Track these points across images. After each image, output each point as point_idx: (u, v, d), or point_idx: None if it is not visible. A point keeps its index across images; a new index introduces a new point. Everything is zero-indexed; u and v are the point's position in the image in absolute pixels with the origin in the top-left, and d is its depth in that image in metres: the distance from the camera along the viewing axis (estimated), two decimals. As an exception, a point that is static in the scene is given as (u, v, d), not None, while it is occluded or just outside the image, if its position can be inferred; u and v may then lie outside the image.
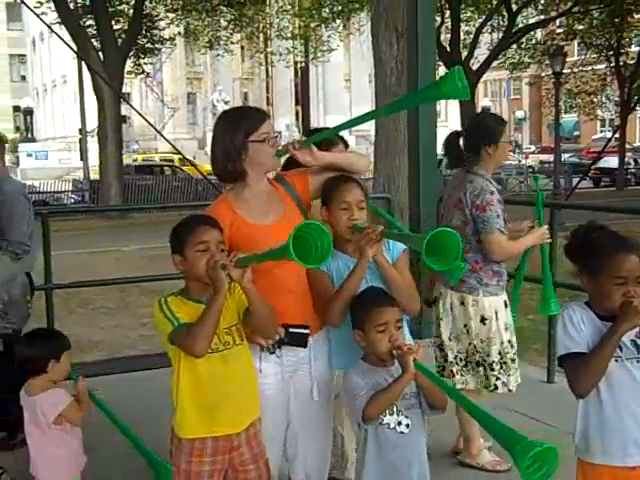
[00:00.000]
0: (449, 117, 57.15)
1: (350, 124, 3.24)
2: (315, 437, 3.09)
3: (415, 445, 2.77)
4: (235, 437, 2.78)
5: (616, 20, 29.62)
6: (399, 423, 2.72)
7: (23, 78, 72.06)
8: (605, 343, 2.45)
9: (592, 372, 2.49)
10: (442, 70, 30.60)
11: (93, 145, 26.86)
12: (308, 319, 2.98)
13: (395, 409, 2.71)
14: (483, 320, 4.02)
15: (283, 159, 3.19)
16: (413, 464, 2.76)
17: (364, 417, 2.67)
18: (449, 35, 27.51)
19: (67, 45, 10.56)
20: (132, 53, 26.17)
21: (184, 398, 2.73)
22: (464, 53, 28.02)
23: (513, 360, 4.10)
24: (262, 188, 3.03)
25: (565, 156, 34.69)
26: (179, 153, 8.60)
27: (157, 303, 2.71)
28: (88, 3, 24.77)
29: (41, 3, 22.80)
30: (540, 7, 30.72)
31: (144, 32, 26.69)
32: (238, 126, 2.95)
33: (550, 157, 32.62)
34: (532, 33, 31.69)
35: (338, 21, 29.52)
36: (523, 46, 32.09)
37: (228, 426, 2.76)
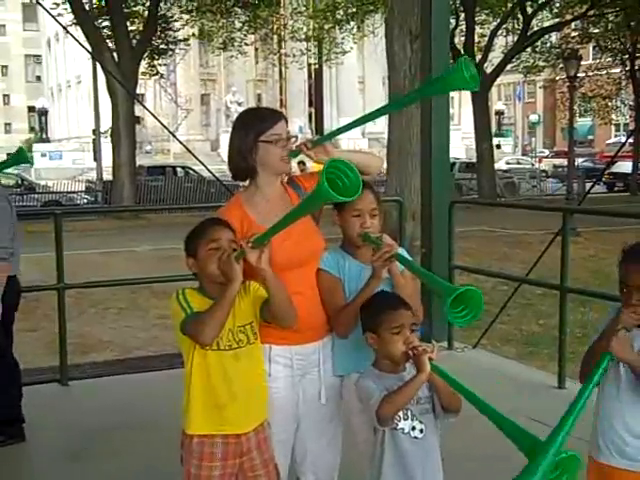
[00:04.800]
0: (462, 120, 57.08)
1: (361, 121, 3.22)
2: (324, 439, 3.07)
3: (428, 450, 2.76)
4: (245, 440, 2.76)
5: (631, 24, 29.52)
6: (413, 428, 2.71)
7: (38, 78, 72.45)
8: None
9: None
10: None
11: (107, 146, 26.97)
12: (316, 322, 2.97)
13: (409, 414, 2.70)
14: None
15: (294, 162, 3.18)
16: (427, 469, 2.75)
17: (379, 418, 2.65)
18: (463, 38, 27.47)
19: (82, 46, 10.60)
20: (146, 54, 26.27)
21: (194, 394, 2.73)
22: (478, 56, 27.96)
23: None
24: (273, 191, 3.02)
25: (579, 160, 34.58)
26: (192, 154, 8.59)
27: (174, 294, 2.74)
28: (104, 4, 24.88)
29: (57, 4, 22.94)
30: (555, 10, 30.62)
31: (159, 33, 26.79)
32: (251, 125, 2.97)
33: (564, 161, 32.51)
34: (547, 36, 31.62)
35: (352, 23, 29.51)
36: (538, 49, 32.01)
37: (236, 425, 2.75)
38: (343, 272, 3.01)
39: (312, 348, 2.98)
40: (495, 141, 38.73)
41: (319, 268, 3.02)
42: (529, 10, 28.08)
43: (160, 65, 30.32)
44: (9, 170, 31.98)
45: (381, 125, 50.09)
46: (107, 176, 27.68)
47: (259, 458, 2.79)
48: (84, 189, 29.59)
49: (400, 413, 2.69)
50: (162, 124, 10.15)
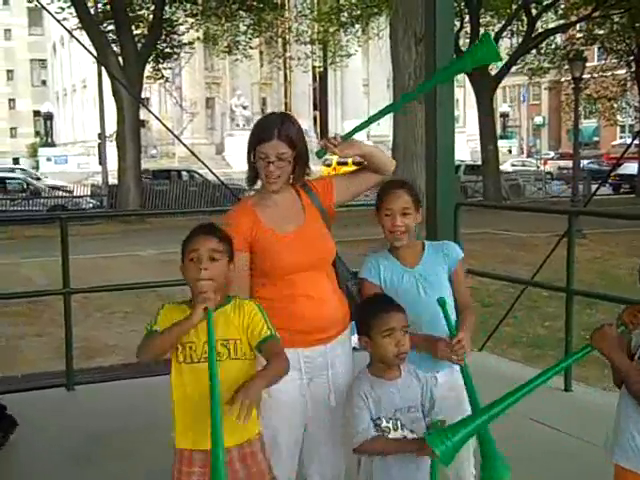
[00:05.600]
0: (467, 122, 57.06)
1: (385, 112, 3.19)
2: (331, 442, 3.06)
3: (420, 459, 2.75)
4: (225, 452, 2.58)
5: (637, 25, 29.44)
6: (404, 438, 2.71)
7: (43, 83, 72.68)
8: None
9: None
10: (460, 75, 30.56)
11: (112, 150, 27.02)
12: (324, 325, 2.97)
13: (399, 424, 2.70)
14: None
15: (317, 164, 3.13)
16: (418, 477, 2.74)
17: (355, 450, 2.70)
18: (468, 40, 27.46)
19: (87, 50, 10.60)
20: (151, 58, 26.31)
21: (174, 408, 2.69)
22: (483, 58, 27.94)
23: None
24: (282, 196, 3.01)
25: (584, 162, 34.52)
26: (197, 158, 8.59)
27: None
28: (109, 9, 24.93)
29: (62, 9, 22.98)
30: (560, 12, 30.58)
31: (163, 37, 26.82)
32: (252, 134, 2.98)
33: (569, 163, 32.43)
34: (552, 38, 31.57)
35: (357, 26, 29.53)
36: (542, 51, 31.97)
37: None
38: (382, 277, 3.07)
39: (320, 351, 2.98)
40: (502, 143, 38.75)
41: (359, 277, 3.11)
42: (534, 12, 28.05)
43: (165, 69, 30.35)
44: (15, 175, 32.10)
45: (386, 127, 50.02)
46: (112, 180, 27.72)
47: (243, 472, 2.68)
48: (89, 193, 29.64)
49: (389, 424, 2.70)
50: (167, 128, 10.17)
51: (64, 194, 28.28)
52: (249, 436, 2.69)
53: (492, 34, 29.05)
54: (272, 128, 2.92)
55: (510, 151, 58.01)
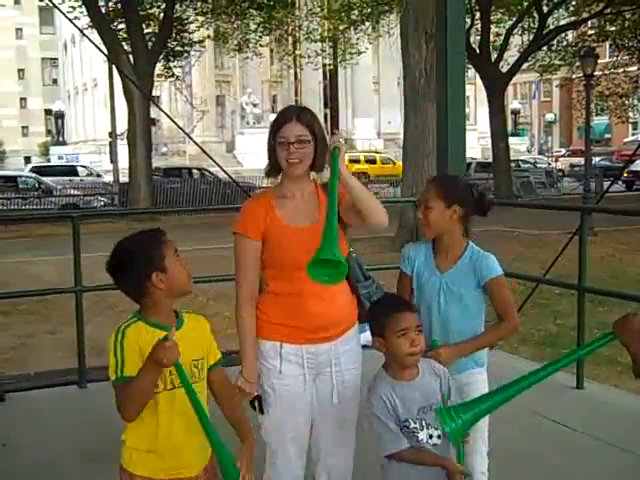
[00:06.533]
0: (478, 120, 56.90)
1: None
2: (338, 440, 3.06)
3: (448, 451, 2.77)
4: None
5: (648, 21, 29.30)
6: (430, 436, 2.72)
7: (55, 81, 72.92)
8: None
9: None
10: (471, 72, 30.51)
11: (123, 148, 27.09)
12: (329, 323, 2.96)
13: (424, 423, 2.71)
14: None
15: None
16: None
17: (389, 456, 2.70)
18: (479, 37, 27.38)
19: (98, 49, 10.65)
20: (162, 56, 26.35)
21: (139, 442, 2.55)
22: (494, 55, 27.87)
23: None
24: (300, 190, 3.00)
25: (596, 159, 34.36)
26: (208, 156, 8.61)
27: (114, 332, 2.49)
28: (119, 7, 24.99)
29: (73, 8, 23.06)
30: (571, 9, 30.46)
31: (174, 35, 26.86)
32: (271, 124, 3.00)
33: (581, 160, 32.32)
34: (563, 35, 31.46)
35: (367, 23, 29.46)
36: (554, 48, 31.85)
37: (187, 467, 2.51)
38: (415, 269, 3.13)
39: (324, 348, 2.97)
40: (513, 140, 38.58)
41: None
42: (545, 9, 27.93)
43: (175, 67, 30.40)
44: (26, 172, 32.28)
45: (397, 125, 49.99)
46: (123, 178, 27.78)
47: None
48: (101, 191, 29.75)
49: (417, 424, 2.70)
50: (178, 126, 10.18)
51: (76, 192, 28.40)
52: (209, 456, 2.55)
53: (503, 31, 29.03)
54: (291, 113, 2.95)
55: (529, 150, 57.95)
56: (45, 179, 28.94)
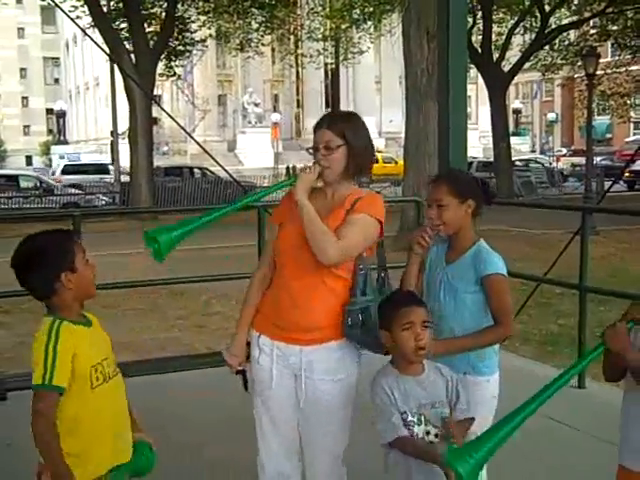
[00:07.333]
0: (480, 119, 56.89)
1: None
2: (321, 444, 3.01)
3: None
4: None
5: (650, 21, 29.27)
6: (427, 433, 2.69)
7: (56, 81, 73.01)
8: None
9: None
10: (473, 72, 30.52)
11: (124, 147, 27.10)
12: (297, 325, 2.91)
13: (423, 419, 2.69)
14: None
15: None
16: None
17: (386, 444, 2.69)
18: (481, 36, 27.38)
19: (100, 48, 10.64)
20: (164, 55, 26.36)
21: (79, 441, 2.61)
22: (496, 55, 27.86)
23: None
24: (333, 191, 2.98)
25: (597, 159, 34.34)
26: (209, 155, 8.61)
27: (47, 327, 2.43)
28: (121, 6, 25.01)
29: (75, 7, 23.06)
30: (573, 8, 30.44)
31: (176, 34, 26.87)
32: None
33: (582, 160, 32.26)
34: (565, 34, 31.43)
35: (369, 23, 29.48)
36: (556, 47, 31.84)
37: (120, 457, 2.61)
38: (430, 259, 3.16)
39: (294, 350, 2.93)
40: (514, 140, 38.56)
41: None
42: (547, 8, 27.94)
43: (177, 66, 30.41)
44: (27, 172, 32.27)
45: (398, 125, 49.98)
46: (124, 177, 27.79)
47: None
48: (102, 190, 29.77)
49: (414, 418, 2.68)
50: (179, 125, 10.18)
51: (77, 191, 28.42)
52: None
53: (505, 31, 29.03)
54: (324, 119, 2.99)
55: (533, 151, 57.94)
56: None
